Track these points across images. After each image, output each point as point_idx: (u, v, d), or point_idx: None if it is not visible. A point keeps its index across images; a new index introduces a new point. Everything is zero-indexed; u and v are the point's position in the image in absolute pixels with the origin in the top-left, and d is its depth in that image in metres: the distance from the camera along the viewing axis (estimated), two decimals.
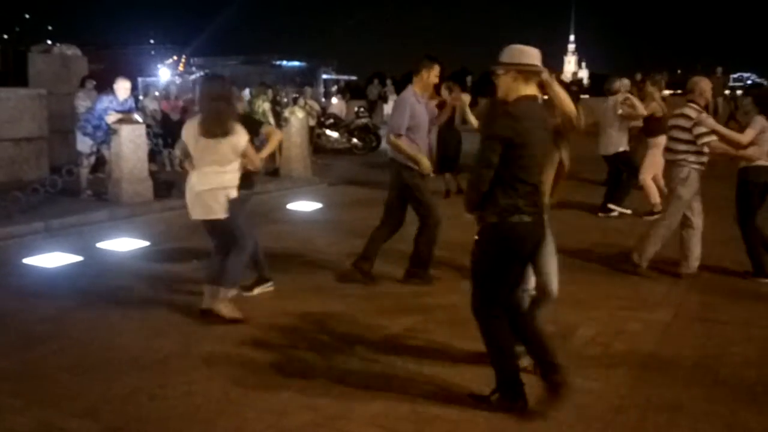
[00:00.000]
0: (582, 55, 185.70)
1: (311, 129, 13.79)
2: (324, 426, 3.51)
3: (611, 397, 3.82)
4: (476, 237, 3.59)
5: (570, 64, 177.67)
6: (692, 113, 5.96)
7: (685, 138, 5.96)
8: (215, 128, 4.89)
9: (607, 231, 8.18)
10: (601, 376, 4.08)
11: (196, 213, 5.06)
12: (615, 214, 8.97)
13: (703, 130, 5.90)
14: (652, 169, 8.95)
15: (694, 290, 5.85)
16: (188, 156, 5.05)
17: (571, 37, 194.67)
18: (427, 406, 3.69)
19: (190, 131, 4.99)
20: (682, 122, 6.02)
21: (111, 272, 6.35)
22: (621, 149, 9.09)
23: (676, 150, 6.05)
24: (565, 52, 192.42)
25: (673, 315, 5.23)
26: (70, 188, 9.09)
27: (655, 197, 8.79)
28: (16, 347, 4.58)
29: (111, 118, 8.88)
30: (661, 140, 8.98)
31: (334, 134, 17.28)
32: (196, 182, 4.99)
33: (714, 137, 5.95)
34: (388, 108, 21.25)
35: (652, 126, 9.16)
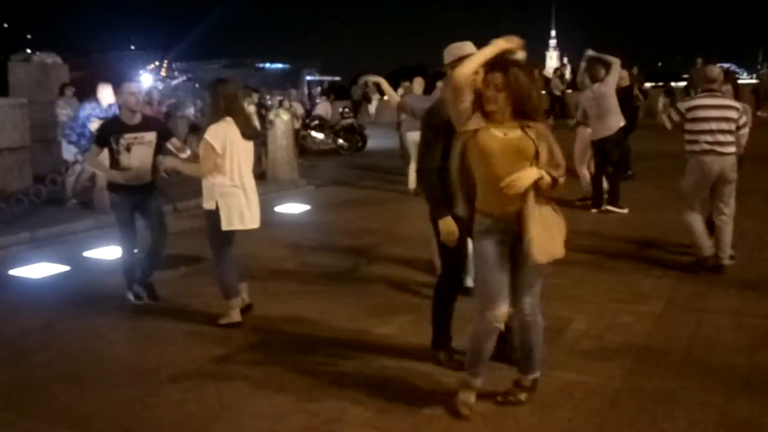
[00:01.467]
0: (564, 50, 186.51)
1: (296, 131, 13.75)
2: (319, 429, 3.49)
3: (606, 390, 3.82)
4: None
5: (552, 60, 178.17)
6: (737, 106, 6.05)
7: (731, 129, 5.96)
8: (250, 130, 4.90)
9: (595, 224, 8.21)
10: (595, 370, 4.08)
11: (250, 221, 4.97)
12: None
13: (746, 119, 6.08)
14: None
15: (683, 281, 5.87)
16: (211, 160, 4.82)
17: (552, 33, 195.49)
18: (422, 406, 3.67)
19: (230, 133, 4.81)
20: (732, 114, 5.99)
21: (99, 281, 6.28)
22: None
23: (731, 142, 5.97)
24: (546, 47, 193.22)
25: (663, 306, 5.26)
26: (55, 197, 9.00)
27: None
28: (5, 360, 4.53)
29: (94, 125, 8.79)
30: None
31: (320, 135, 17.24)
32: (247, 187, 4.92)
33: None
34: (372, 108, 21.27)
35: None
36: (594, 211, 8.82)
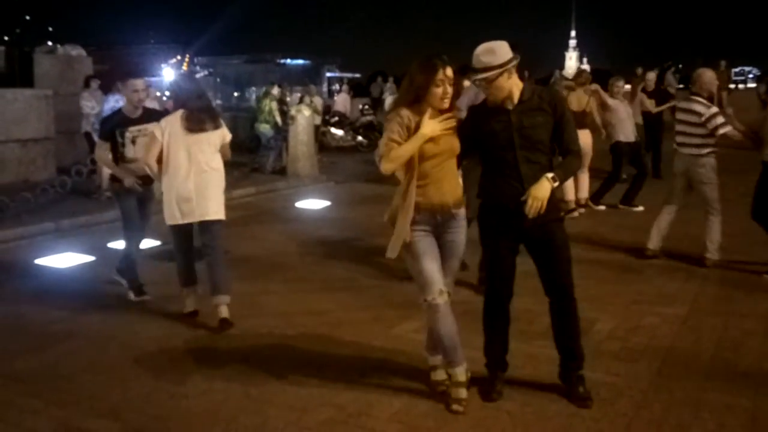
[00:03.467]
0: (584, 50, 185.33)
1: (316, 127, 13.78)
2: (345, 423, 3.50)
3: (633, 391, 3.80)
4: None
5: (572, 60, 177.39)
6: (701, 109, 6.10)
7: (701, 132, 6.10)
8: (197, 125, 4.87)
9: (618, 226, 8.16)
10: (621, 371, 4.06)
11: (191, 216, 4.93)
12: (602, 208, 9.01)
13: (719, 121, 6.01)
14: None
15: (709, 283, 5.82)
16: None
17: (572, 33, 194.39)
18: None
19: (172, 125, 4.85)
20: (692, 118, 6.17)
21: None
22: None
23: (695, 144, 6.15)
24: (566, 47, 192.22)
25: (689, 308, 5.21)
26: (80, 188, 9.09)
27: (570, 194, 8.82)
28: (32, 347, 4.58)
29: None
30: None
31: (339, 132, 17.26)
32: (199, 182, 4.89)
33: (729, 127, 6.05)
34: (389, 105, 21.28)
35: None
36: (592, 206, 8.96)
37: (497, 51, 3.44)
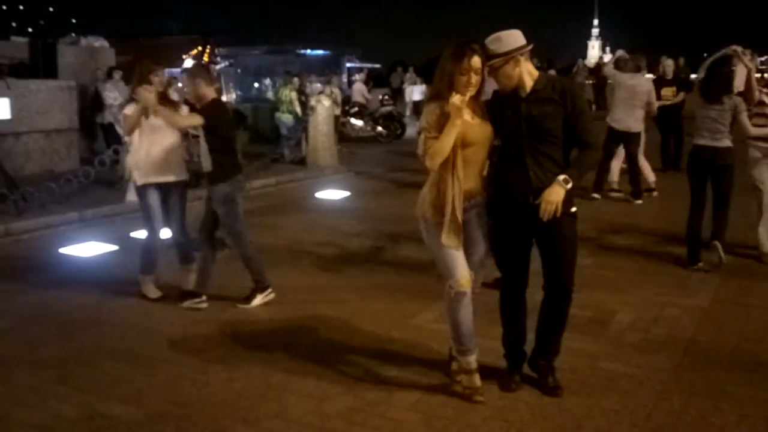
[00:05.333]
0: (607, 39, 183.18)
1: (336, 117, 13.79)
2: (365, 411, 3.52)
3: (653, 382, 3.78)
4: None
5: (594, 49, 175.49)
6: None
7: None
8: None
9: (639, 216, 8.10)
10: (642, 362, 4.04)
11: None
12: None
13: None
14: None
15: (731, 275, 5.76)
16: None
17: (595, 21, 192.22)
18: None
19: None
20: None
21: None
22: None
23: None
24: (588, 36, 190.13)
25: (710, 300, 5.17)
26: (103, 178, 9.19)
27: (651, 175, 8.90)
28: (58, 334, 4.66)
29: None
30: None
31: (359, 122, 17.26)
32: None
33: None
34: (408, 95, 21.13)
35: None
36: (596, 196, 8.90)
37: (503, 39, 3.44)
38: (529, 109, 3.46)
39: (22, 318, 4.97)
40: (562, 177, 3.39)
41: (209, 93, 5.05)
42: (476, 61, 3.38)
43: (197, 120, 4.95)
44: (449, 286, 3.52)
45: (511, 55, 3.41)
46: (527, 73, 3.48)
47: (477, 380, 3.61)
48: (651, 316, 4.81)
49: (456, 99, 3.34)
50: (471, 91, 3.41)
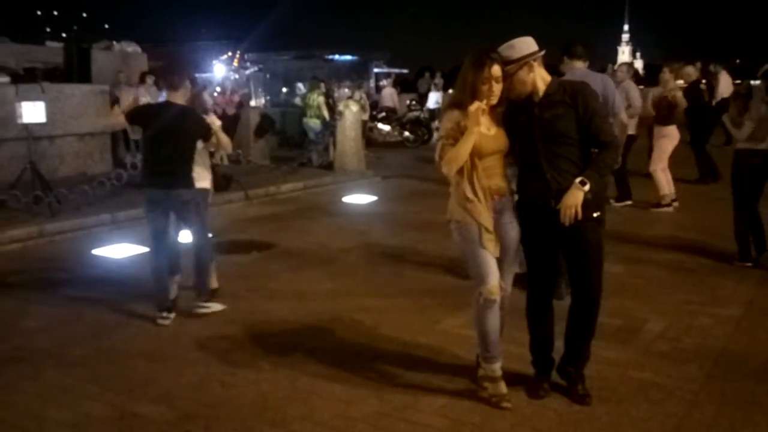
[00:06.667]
0: (637, 45, 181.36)
1: (363, 123, 13.85)
2: (391, 416, 3.52)
3: (684, 392, 3.73)
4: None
5: (624, 55, 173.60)
6: None
7: None
8: None
9: (667, 225, 8.00)
10: (673, 372, 3.98)
11: None
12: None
13: None
14: (663, 158, 8.77)
15: (765, 285, 5.66)
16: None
17: (626, 27, 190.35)
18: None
19: None
20: None
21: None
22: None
23: None
24: (618, 42, 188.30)
25: (744, 310, 5.08)
26: (135, 181, 9.32)
27: (664, 188, 8.66)
28: (89, 334, 4.73)
29: None
30: (672, 130, 8.70)
31: (386, 127, 17.31)
32: None
33: None
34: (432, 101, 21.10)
35: (666, 114, 8.88)
36: (618, 205, 8.74)
37: (516, 45, 3.48)
38: (541, 112, 3.48)
39: (55, 318, 5.06)
40: (578, 179, 3.38)
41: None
42: (496, 69, 3.40)
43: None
44: (479, 292, 3.52)
45: (524, 61, 3.44)
46: (540, 78, 3.51)
47: (503, 387, 3.60)
48: (682, 325, 4.74)
49: (474, 107, 3.36)
50: (493, 100, 3.44)
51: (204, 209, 5.30)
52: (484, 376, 3.70)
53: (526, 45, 3.49)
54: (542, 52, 3.52)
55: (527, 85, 3.49)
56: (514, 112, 3.58)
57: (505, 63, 3.44)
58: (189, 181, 5.01)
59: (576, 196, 3.37)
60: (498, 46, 3.52)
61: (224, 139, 5.34)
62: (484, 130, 3.45)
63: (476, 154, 3.45)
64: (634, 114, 8.31)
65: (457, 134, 3.44)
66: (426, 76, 23.73)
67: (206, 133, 5.11)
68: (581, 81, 3.83)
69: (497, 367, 3.61)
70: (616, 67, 11.42)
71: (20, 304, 5.40)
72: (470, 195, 3.47)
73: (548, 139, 3.46)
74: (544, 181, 3.46)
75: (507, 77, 3.46)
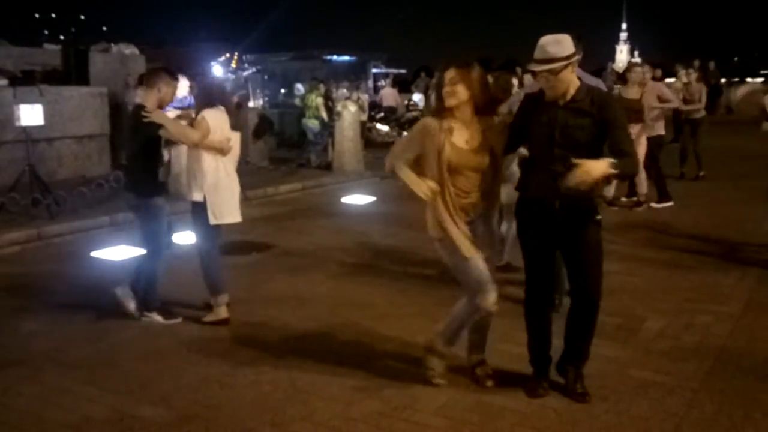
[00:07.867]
0: (635, 43, 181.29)
1: (362, 123, 13.85)
2: (391, 416, 3.52)
3: (684, 390, 3.73)
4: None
5: (622, 53, 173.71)
6: None
7: None
8: (234, 120, 5.05)
9: (671, 223, 8.00)
10: (672, 370, 3.98)
11: (237, 215, 5.00)
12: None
13: None
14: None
15: (764, 282, 5.66)
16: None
17: (623, 26, 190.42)
18: (493, 397, 3.67)
19: (222, 121, 4.90)
20: None
21: (175, 264, 6.46)
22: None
23: None
24: (616, 40, 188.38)
25: (743, 307, 5.08)
26: None
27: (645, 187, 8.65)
28: (89, 336, 4.73)
29: (170, 114, 9.05)
30: (636, 129, 8.75)
31: (385, 128, 17.29)
32: (234, 179, 5.00)
33: None
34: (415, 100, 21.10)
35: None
36: (658, 206, 8.69)
37: (563, 42, 3.33)
38: (566, 118, 3.38)
39: (54, 320, 5.05)
40: (611, 160, 3.21)
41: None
42: (451, 72, 3.47)
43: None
44: (476, 305, 3.55)
45: (571, 60, 3.33)
46: (573, 80, 3.41)
47: (489, 368, 3.84)
48: (681, 323, 4.75)
49: (432, 187, 3.51)
50: (450, 101, 3.48)
51: (200, 222, 4.94)
52: (433, 351, 3.86)
53: (570, 43, 3.34)
54: (581, 53, 3.49)
55: (566, 85, 3.37)
56: (533, 109, 3.50)
57: (551, 60, 3.29)
58: (136, 186, 4.91)
59: (601, 169, 3.14)
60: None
61: (179, 130, 4.86)
62: (461, 143, 3.47)
63: (448, 169, 3.49)
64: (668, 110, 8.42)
65: (417, 140, 3.58)
66: (422, 76, 23.73)
67: (151, 130, 4.77)
68: (607, 92, 3.79)
69: (448, 351, 3.83)
70: (624, 67, 11.45)
71: (19, 306, 5.39)
72: (444, 215, 3.54)
73: (567, 146, 3.35)
74: (553, 183, 3.39)
75: (552, 75, 3.31)
